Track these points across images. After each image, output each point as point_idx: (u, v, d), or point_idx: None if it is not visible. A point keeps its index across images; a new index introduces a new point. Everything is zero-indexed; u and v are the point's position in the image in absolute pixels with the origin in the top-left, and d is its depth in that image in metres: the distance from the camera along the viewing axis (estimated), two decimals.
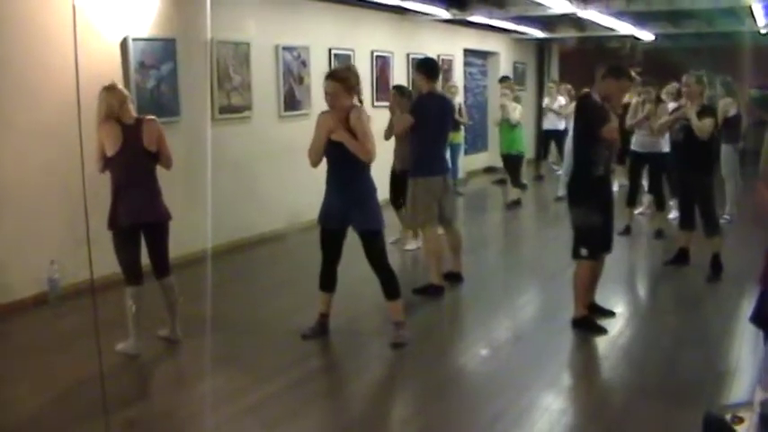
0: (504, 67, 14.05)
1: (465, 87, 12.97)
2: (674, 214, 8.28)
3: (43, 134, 5.58)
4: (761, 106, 12.53)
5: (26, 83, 5.52)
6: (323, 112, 4.62)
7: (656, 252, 7.38)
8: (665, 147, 7.60)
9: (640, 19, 11.55)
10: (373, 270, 4.80)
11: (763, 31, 11.63)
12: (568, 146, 9.20)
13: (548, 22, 12.63)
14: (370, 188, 4.78)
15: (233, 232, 7.47)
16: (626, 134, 7.55)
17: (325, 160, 4.66)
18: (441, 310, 5.79)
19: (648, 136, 7.68)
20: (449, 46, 12.02)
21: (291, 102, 8.36)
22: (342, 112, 4.54)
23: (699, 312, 5.64)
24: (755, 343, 4.37)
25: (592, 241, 4.99)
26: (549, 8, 9.30)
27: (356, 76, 4.68)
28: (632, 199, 8.13)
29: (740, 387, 4.08)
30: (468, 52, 12.98)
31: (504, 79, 11.40)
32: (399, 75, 10.50)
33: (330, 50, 8.93)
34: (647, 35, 12.88)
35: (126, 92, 4.63)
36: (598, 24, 11.32)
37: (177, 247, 5.26)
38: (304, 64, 8.51)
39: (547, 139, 12.53)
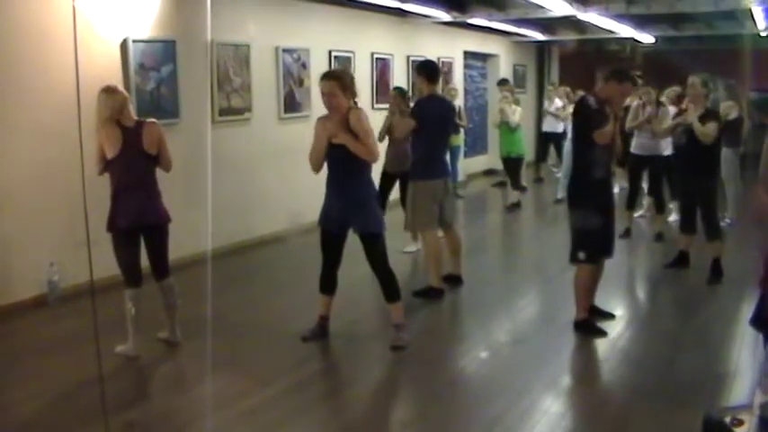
0: (504, 69, 14.06)
1: (465, 90, 12.98)
2: (674, 217, 8.28)
3: (43, 135, 5.58)
4: (761, 109, 12.53)
5: (26, 83, 5.52)
6: (321, 117, 4.62)
7: (655, 255, 7.37)
8: (666, 150, 7.60)
9: (640, 22, 11.55)
10: (374, 272, 4.81)
11: (763, 34, 11.65)
12: (567, 148, 9.23)
13: (548, 24, 12.64)
14: (371, 191, 4.78)
15: (233, 234, 7.46)
16: (626, 137, 7.55)
17: (325, 163, 4.66)
18: (440, 313, 5.78)
19: (649, 139, 7.68)
20: (449, 48, 12.02)
21: (291, 104, 8.36)
22: (341, 114, 4.54)
23: (698, 315, 5.63)
24: (755, 346, 4.38)
25: (590, 245, 4.97)
26: (549, 11, 9.30)
27: (350, 76, 4.74)
28: (632, 202, 8.12)
29: (740, 390, 4.07)
30: (468, 55, 12.98)
31: (503, 82, 11.42)
32: (399, 77, 10.49)
33: (330, 52, 8.92)
34: (647, 38, 12.90)
35: (126, 94, 4.62)
36: (598, 27, 11.33)
37: (177, 249, 5.26)
38: (304, 66, 8.51)
39: (546, 141, 12.55)
